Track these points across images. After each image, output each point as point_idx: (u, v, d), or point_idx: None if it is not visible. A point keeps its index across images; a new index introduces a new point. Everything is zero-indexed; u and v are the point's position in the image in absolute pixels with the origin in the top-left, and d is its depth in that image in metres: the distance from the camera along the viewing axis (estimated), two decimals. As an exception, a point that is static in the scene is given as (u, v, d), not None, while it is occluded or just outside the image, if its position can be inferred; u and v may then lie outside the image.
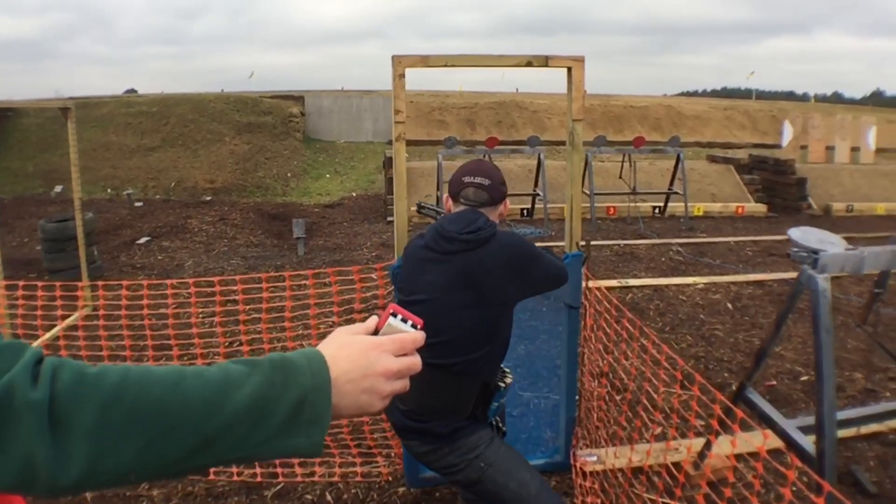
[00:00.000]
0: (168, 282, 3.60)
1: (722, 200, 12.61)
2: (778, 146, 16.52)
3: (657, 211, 12.05)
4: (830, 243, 2.61)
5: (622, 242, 9.50)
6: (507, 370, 2.38)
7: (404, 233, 3.12)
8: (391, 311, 0.94)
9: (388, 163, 12.72)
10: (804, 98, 55.93)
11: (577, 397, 3.47)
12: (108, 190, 14.86)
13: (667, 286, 7.07)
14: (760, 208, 12.48)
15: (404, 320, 0.93)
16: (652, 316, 6.11)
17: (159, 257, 9.31)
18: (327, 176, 16.50)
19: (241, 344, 3.86)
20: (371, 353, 0.88)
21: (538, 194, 11.37)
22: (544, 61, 2.98)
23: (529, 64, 2.97)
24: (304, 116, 18.97)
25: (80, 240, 7.21)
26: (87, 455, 0.69)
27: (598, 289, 3.38)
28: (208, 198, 14.19)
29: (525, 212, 11.72)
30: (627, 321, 2.84)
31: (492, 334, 2.19)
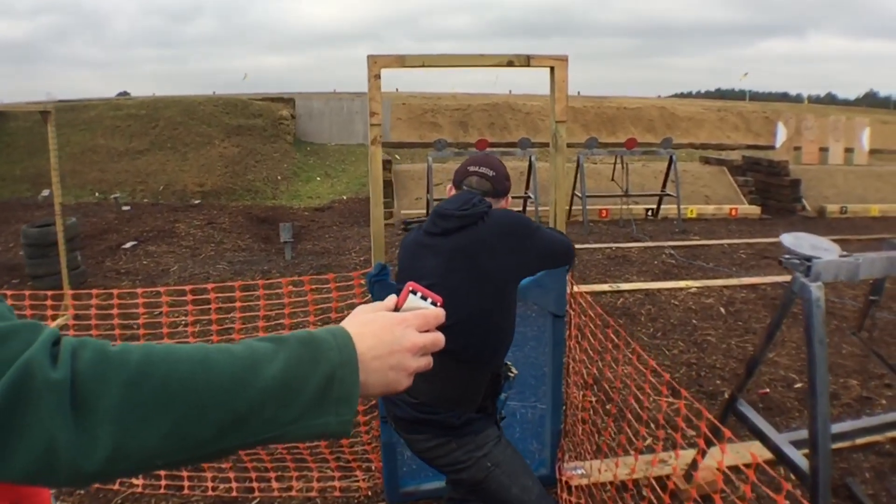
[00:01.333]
0: (139, 290, 3.47)
1: (715, 202, 12.51)
2: (771, 147, 16.44)
3: (650, 213, 11.95)
4: (824, 249, 2.49)
5: (614, 245, 9.39)
6: (509, 363, 2.33)
7: (381, 239, 2.99)
8: (410, 288, 0.92)
9: (378, 165, 12.57)
10: (798, 99, 56.05)
11: (563, 409, 3.35)
12: (96, 194, 14.70)
13: (659, 290, 6.95)
14: (754, 210, 12.39)
15: (424, 298, 0.93)
16: (643, 321, 5.99)
17: (144, 262, 9.16)
18: (318, 179, 16.36)
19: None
20: (396, 329, 0.86)
21: (529, 196, 11.26)
22: (526, 61, 2.86)
23: (511, 63, 2.85)
24: (294, 119, 18.82)
25: (60, 245, 7.05)
26: (111, 438, 0.65)
27: (583, 295, 3.24)
28: (197, 201, 14.04)
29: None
30: (612, 331, 2.71)
31: (497, 315, 2.15)
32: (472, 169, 2.30)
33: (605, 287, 7.01)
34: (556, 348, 3.17)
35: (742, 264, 8.38)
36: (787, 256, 2.48)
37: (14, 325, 0.66)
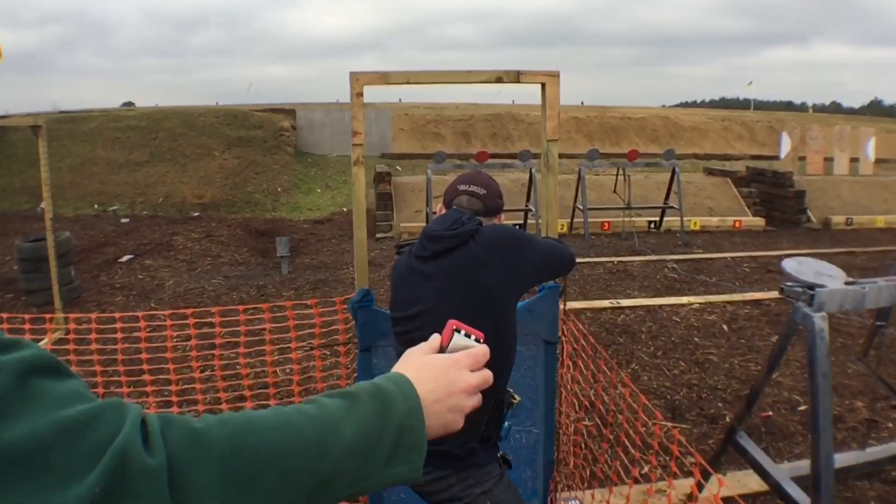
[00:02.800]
0: (116, 315, 3.35)
1: (719, 214, 12.37)
2: (776, 157, 16.28)
3: (653, 226, 11.81)
4: (829, 276, 2.36)
5: (616, 259, 9.24)
6: (511, 389, 2.19)
7: (364, 264, 2.87)
8: (453, 326, 0.93)
9: (378, 177, 12.48)
10: (802, 108, 55.87)
11: (555, 437, 3.21)
12: (96, 206, 14.63)
13: (660, 307, 6.81)
14: (758, 222, 12.24)
15: (467, 335, 0.93)
16: (644, 339, 5.85)
17: (140, 276, 9.06)
18: (318, 190, 16.26)
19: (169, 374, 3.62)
20: (451, 371, 0.88)
21: (531, 210, 11.13)
22: (515, 77, 2.75)
23: (500, 80, 2.74)
24: (295, 130, 18.75)
25: (51, 261, 6.96)
26: None
27: (575, 323, 3.11)
28: (196, 213, 13.94)
29: (517, 227, 11.45)
30: (604, 362, 2.58)
31: (498, 335, 2.01)
32: (461, 188, 2.20)
33: (605, 303, 6.87)
34: (548, 375, 3.04)
35: (745, 278, 8.23)
36: (788, 284, 2.35)
37: (99, 407, 0.63)
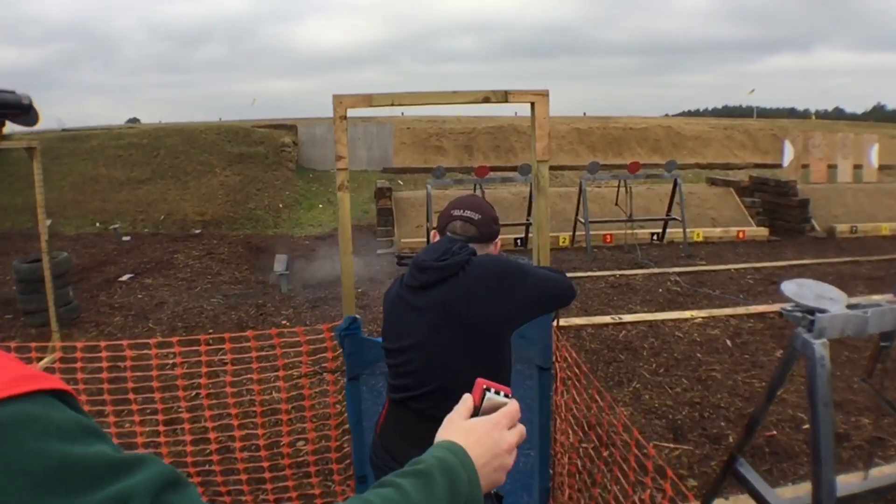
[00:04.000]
0: (102, 343, 3.28)
1: (722, 225, 12.27)
2: (779, 165, 16.17)
3: (655, 237, 11.72)
4: (830, 299, 2.28)
5: (618, 273, 9.16)
6: None
7: (351, 291, 2.80)
8: (483, 386, 0.97)
9: (379, 193, 12.43)
10: (805, 114, 55.75)
11: (550, 466, 3.12)
12: (97, 224, 14.59)
13: (663, 321, 6.71)
14: (762, 232, 12.14)
15: (497, 392, 0.97)
16: (646, 356, 5.76)
17: (139, 296, 9.01)
18: (320, 206, 16.21)
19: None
20: (494, 434, 0.92)
21: (531, 223, 11.06)
22: (503, 97, 2.68)
23: (487, 100, 2.67)
24: (296, 146, 18.72)
25: (47, 284, 6.89)
26: None
27: (568, 350, 3.02)
28: (198, 231, 13.90)
29: (519, 241, 11.40)
30: (596, 391, 2.50)
31: (491, 372, 1.90)
32: (455, 213, 2.09)
33: (606, 319, 6.78)
34: (543, 401, 2.95)
35: (749, 290, 8.13)
36: (788, 308, 2.26)
37: (134, 490, 0.62)
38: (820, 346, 2.11)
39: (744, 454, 2.62)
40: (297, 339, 2.99)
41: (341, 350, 2.80)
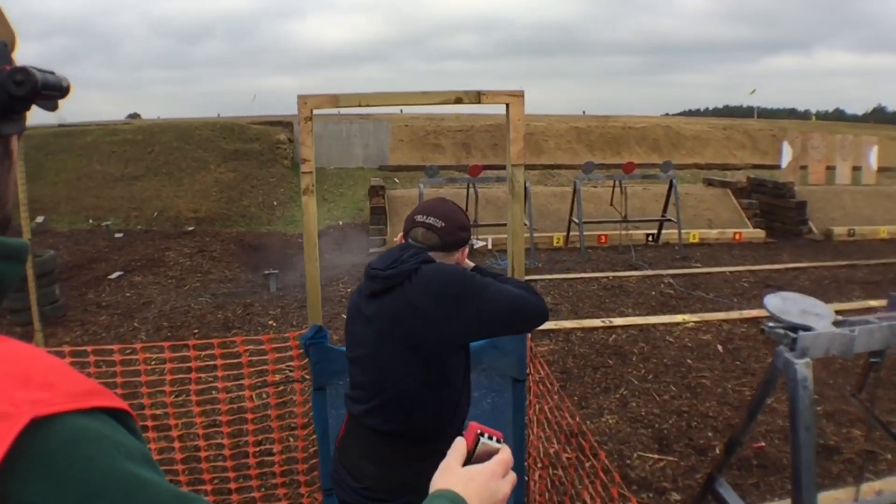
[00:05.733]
0: (66, 350, 3.17)
1: (719, 226, 12.14)
2: (778, 167, 16.05)
3: (651, 239, 11.60)
4: (815, 315, 2.16)
5: (611, 275, 9.03)
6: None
7: (317, 299, 2.68)
8: (477, 431, 0.96)
9: (372, 191, 12.31)
10: (806, 115, 55.59)
11: (525, 483, 3.01)
12: (90, 221, 14.47)
13: (654, 325, 6.60)
14: (759, 234, 12.01)
15: (490, 437, 0.96)
16: (635, 362, 5.64)
17: (127, 294, 8.91)
18: (315, 203, 16.09)
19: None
20: (491, 484, 0.92)
21: (525, 223, 10.94)
22: (476, 97, 2.56)
23: (459, 100, 2.55)
24: (292, 143, 18.59)
25: (30, 282, 6.78)
26: None
27: (542, 363, 2.90)
28: (191, 228, 13.77)
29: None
30: (567, 410, 2.38)
31: (441, 389, 1.83)
32: (419, 219, 1.96)
33: (597, 322, 6.66)
34: (516, 415, 2.83)
35: (744, 294, 8.01)
36: (771, 325, 2.15)
37: None
38: (802, 367, 2.00)
39: (723, 474, 2.51)
40: (264, 346, 2.87)
41: (308, 360, 2.69)
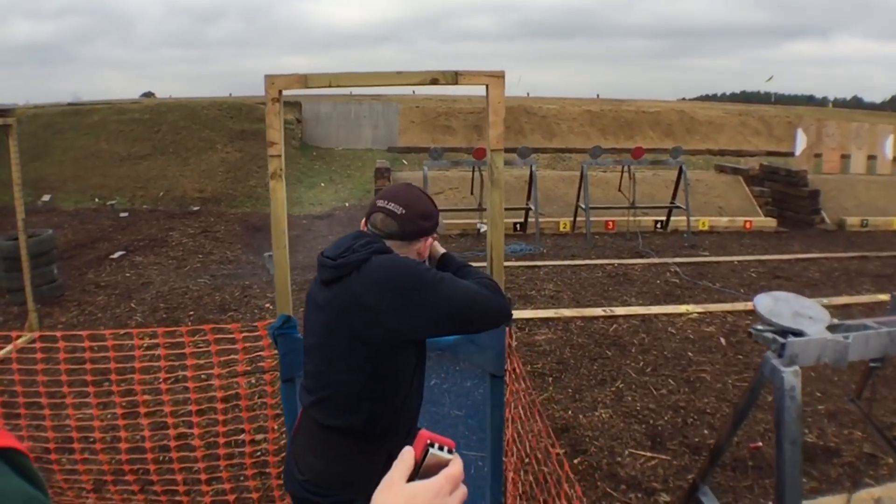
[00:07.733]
0: (58, 334, 3.07)
1: (729, 214, 11.92)
2: (792, 154, 15.75)
3: (659, 225, 11.40)
4: (809, 318, 2.01)
5: (616, 262, 8.86)
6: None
7: (286, 288, 2.56)
8: (427, 440, 0.89)
9: (378, 173, 12.17)
10: (823, 102, 54.86)
11: (502, 479, 2.88)
12: (96, 199, 14.43)
13: (656, 316, 6.44)
14: (770, 223, 11.79)
15: (440, 447, 0.90)
16: (634, 353, 5.49)
17: (127, 274, 8.85)
18: (322, 184, 15.97)
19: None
20: (436, 502, 0.86)
21: (531, 208, 10.78)
22: (453, 78, 2.42)
23: (435, 81, 2.41)
24: (300, 123, 18.45)
25: (24, 261, 6.72)
26: None
27: (519, 363, 2.76)
28: (196, 207, 13.71)
29: (518, 226, 11.12)
30: (538, 413, 2.25)
31: (380, 385, 1.72)
32: (379, 204, 1.84)
33: (598, 311, 6.51)
34: (494, 412, 2.71)
35: (751, 285, 7.82)
36: (759, 328, 2.01)
37: None
38: (790, 375, 1.86)
39: (706, 482, 2.37)
40: (233, 335, 2.76)
41: (277, 350, 2.57)
